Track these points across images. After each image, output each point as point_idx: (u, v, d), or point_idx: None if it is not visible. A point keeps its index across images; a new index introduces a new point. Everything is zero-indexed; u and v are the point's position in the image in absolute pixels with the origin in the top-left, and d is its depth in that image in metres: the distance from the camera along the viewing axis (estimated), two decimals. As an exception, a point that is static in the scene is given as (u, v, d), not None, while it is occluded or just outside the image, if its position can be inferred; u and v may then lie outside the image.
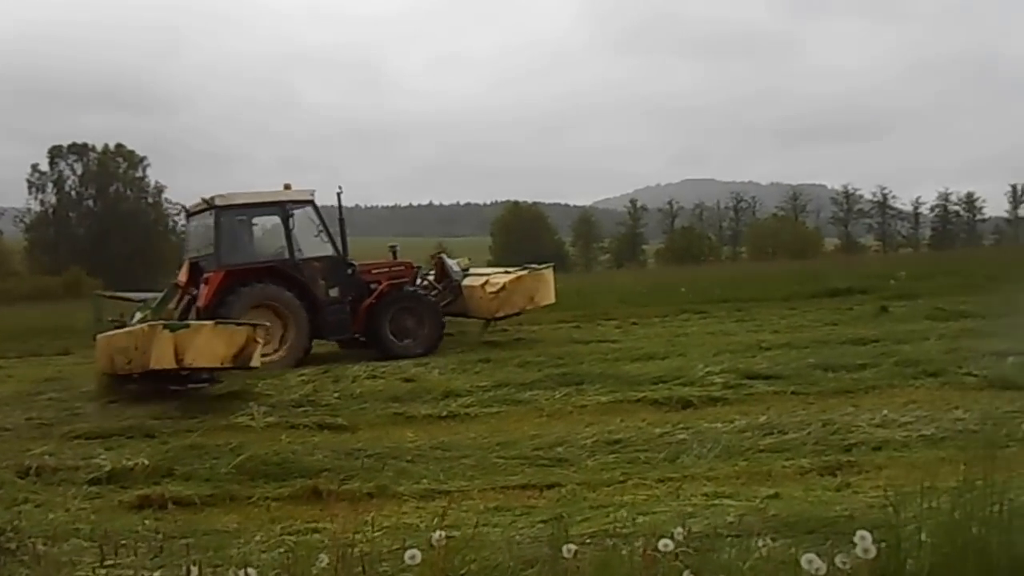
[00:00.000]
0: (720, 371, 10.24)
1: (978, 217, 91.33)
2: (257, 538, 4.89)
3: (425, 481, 6.70)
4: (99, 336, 12.25)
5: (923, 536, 3.36)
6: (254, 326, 11.13)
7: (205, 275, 13.53)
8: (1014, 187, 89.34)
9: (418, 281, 15.16)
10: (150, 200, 74.71)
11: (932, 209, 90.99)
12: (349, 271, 14.31)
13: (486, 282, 15.16)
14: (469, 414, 9.03)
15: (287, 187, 14.26)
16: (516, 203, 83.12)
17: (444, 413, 9.03)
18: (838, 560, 2.94)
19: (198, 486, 6.29)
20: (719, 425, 7.93)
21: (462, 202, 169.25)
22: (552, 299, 15.36)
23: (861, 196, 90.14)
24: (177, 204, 75.67)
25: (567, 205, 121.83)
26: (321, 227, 14.23)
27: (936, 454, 6.75)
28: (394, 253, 15.63)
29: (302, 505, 6.08)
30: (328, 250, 14.16)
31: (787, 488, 6.21)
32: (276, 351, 13.21)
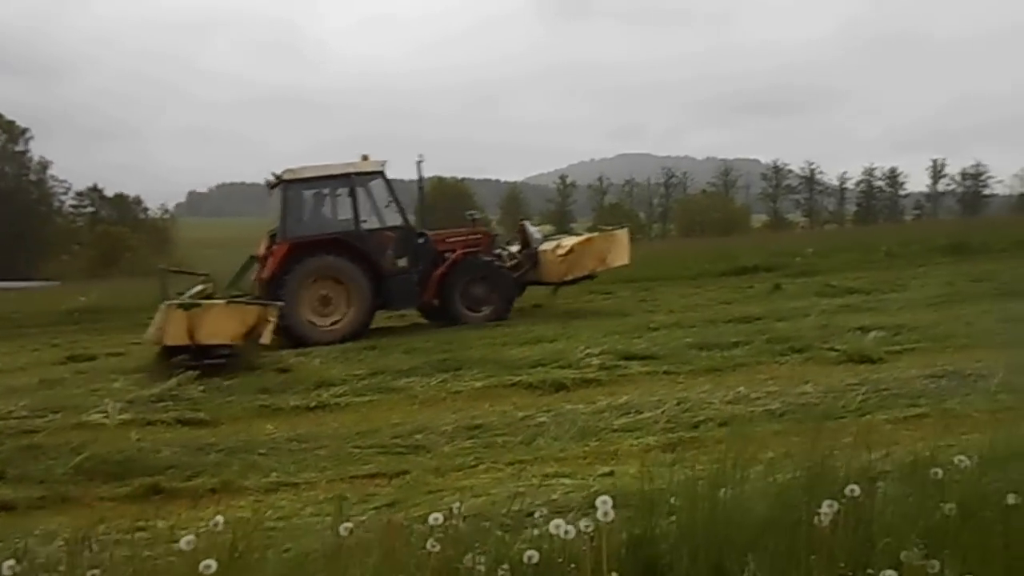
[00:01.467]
0: (599, 353, 10.36)
1: (901, 192, 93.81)
2: (37, 531, 4.82)
3: (275, 474, 6.62)
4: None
5: (673, 500, 3.66)
6: (265, 305, 11.66)
7: (272, 247, 13.93)
8: (935, 162, 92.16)
9: (497, 250, 15.38)
10: (32, 177, 70.58)
11: (857, 184, 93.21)
12: (420, 240, 14.53)
13: (557, 245, 15.23)
14: (339, 404, 8.95)
15: (364, 158, 14.54)
16: (440, 179, 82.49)
17: (313, 404, 8.93)
18: (582, 524, 3.08)
19: (29, 489, 6.11)
20: (580, 407, 8.05)
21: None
22: (626, 260, 15.42)
23: (790, 171, 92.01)
24: (64, 181, 72.67)
25: (498, 181, 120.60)
26: (391, 198, 14.43)
27: (775, 427, 7.00)
28: (472, 221, 16.05)
29: (139, 504, 6.00)
30: (398, 220, 14.43)
31: (625, 466, 6.34)
32: (338, 322, 13.69)
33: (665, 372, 9.56)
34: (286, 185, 13.95)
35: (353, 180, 14.15)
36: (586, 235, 15.46)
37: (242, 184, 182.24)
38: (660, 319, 13.20)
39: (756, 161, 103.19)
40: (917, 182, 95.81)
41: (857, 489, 3.42)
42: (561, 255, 14.77)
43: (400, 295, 14.23)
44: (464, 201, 76.55)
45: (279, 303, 12.16)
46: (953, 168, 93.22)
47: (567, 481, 5.99)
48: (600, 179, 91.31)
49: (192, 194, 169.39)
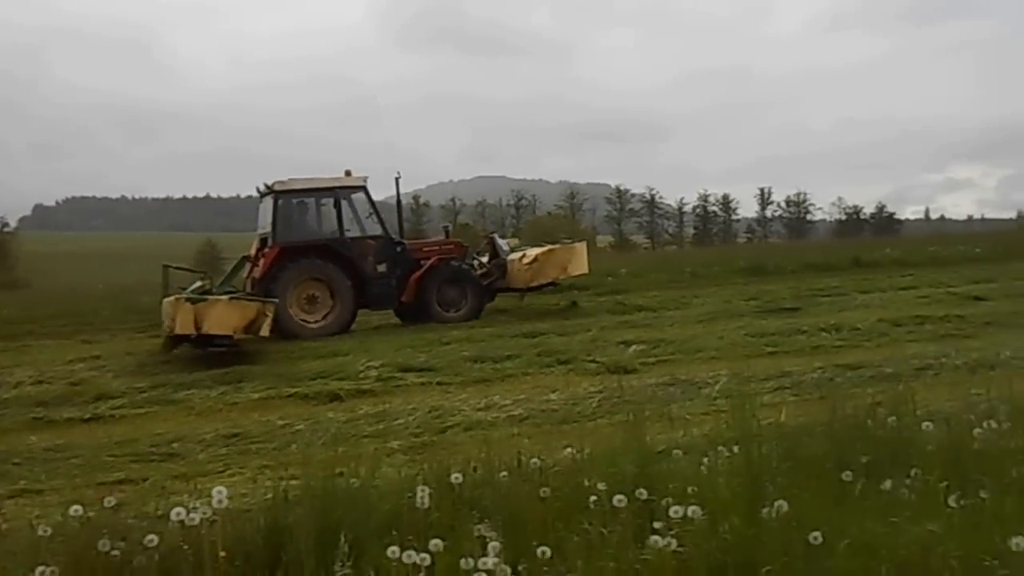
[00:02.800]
0: (380, 365, 10.92)
1: (734, 217, 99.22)
2: None
3: (23, 482, 6.86)
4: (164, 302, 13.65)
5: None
6: (264, 301, 12.98)
7: (264, 250, 15.34)
8: (762, 190, 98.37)
9: (470, 260, 16.87)
10: None
11: (694, 209, 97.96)
12: (398, 249, 16.02)
13: (523, 255, 16.74)
14: (115, 416, 9.20)
15: (348, 173, 15.97)
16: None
17: (88, 416, 9.16)
18: (201, 512, 3.61)
19: None
20: (340, 415, 8.58)
21: (243, 195, 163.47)
22: (585, 269, 16.96)
23: (633, 195, 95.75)
24: None
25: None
26: (372, 209, 16.05)
27: (512, 431, 7.69)
28: (447, 232, 17.83)
29: None
30: (378, 230, 15.93)
31: (361, 468, 6.90)
32: (323, 320, 15.12)
33: (438, 383, 10.18)
34: (277, 195, 15.38)
35: (337, 193, 15.70)
36: (548, 246, 16.92)
37: (92, 198, 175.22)
38: (454, 334, 13.71)
39: (606, 185, 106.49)
40: (749, 208, 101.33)
41: (461, 477, 4.12)
42: (527, 264, 16.29)
43: (380, 297, 15.86)
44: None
45: (275, 299, 13.40)
46: (779, 195, 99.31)
47: (295, 482, 6.46)
48: (452, 199, 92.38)
49: (38, 208, 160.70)
